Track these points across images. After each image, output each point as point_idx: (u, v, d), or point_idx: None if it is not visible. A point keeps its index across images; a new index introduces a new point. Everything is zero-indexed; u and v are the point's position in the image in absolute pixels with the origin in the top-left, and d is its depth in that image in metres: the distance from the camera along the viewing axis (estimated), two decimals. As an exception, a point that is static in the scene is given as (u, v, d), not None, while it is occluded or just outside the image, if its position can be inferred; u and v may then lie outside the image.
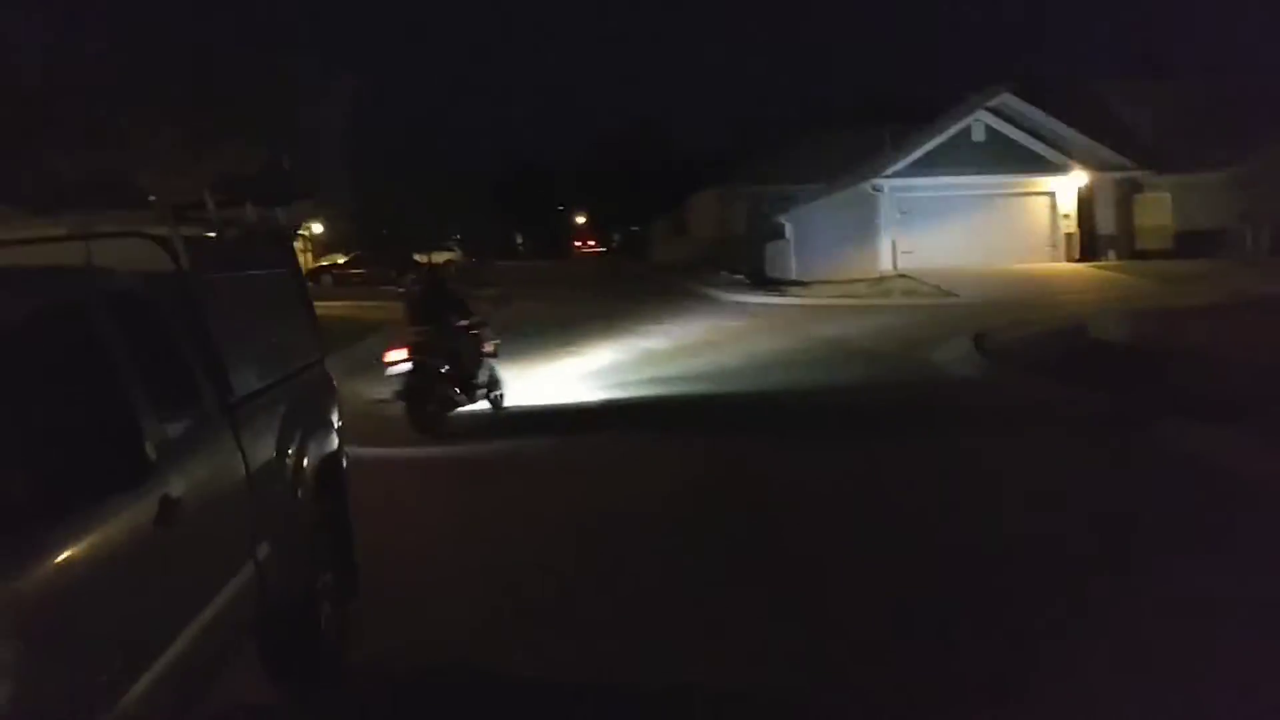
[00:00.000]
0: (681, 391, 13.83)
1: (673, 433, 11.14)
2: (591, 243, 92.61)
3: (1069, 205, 34.87)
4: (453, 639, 5.21)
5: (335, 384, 5.78)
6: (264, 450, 4.27)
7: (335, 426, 5.35)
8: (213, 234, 4.53)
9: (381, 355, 11.38)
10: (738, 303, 31.36)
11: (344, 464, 5.37)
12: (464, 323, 11.94)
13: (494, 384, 12.23)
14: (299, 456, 4.63)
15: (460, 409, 11.51)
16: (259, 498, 4.06)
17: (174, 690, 3.16)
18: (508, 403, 12.43)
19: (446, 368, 11.20)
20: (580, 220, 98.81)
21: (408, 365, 11.00)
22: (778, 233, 40.35)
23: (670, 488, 8.36)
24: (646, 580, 6.09)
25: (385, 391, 11.15)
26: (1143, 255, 33.48)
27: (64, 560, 2.63)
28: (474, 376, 11.85)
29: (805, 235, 37.66)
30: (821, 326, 22.08)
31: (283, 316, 5.23)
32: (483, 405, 12.00)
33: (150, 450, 2.86)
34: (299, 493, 4.52)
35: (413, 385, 11.00)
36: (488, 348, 12.18)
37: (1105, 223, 34.91)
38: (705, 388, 14.05)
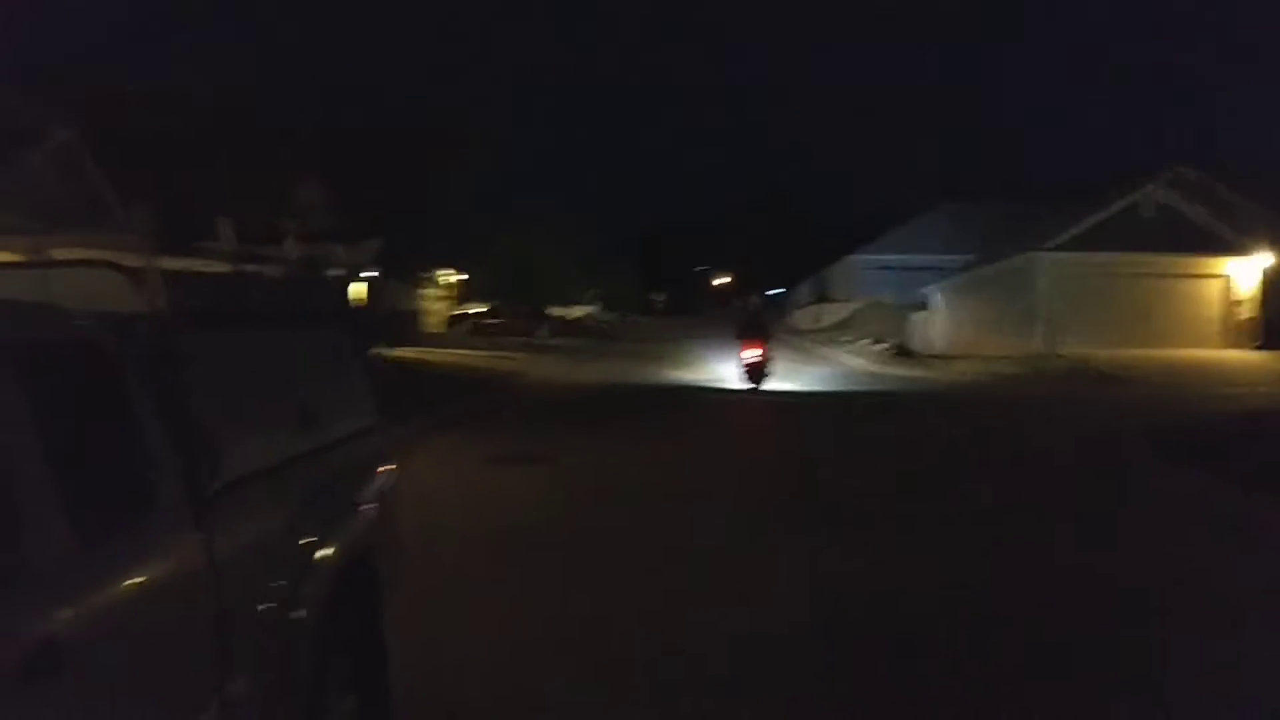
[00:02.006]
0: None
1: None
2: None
3: (1248, 289, 32.19)
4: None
5: (388, 458, 4.80)
6: (252, 552, 3.28)
7: (375, 512, 4.35)
8: (227, 269, 3.62)
9: (740, 350, 23.95)
10: (872, 373, 29.83)
11: (381, 561, 4.35)
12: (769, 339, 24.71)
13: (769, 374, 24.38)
14: (309, 556, 3.65)
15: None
16: (235, 618, 3.07)
17: None
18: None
19: (769, 363, 23.92)
20: (720, 281, 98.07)
21: (757, 359, 23.63)
22: (923, 303, 38.70)
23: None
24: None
25: (736, 369, 24.08)
26: (1332, 347, 30.50)
27: None
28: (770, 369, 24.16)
29: (953, 307, 35.91)
30: (963, 408, 20.45)
31: (320, 377, 4.28)
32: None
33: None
34: (305, 607, 3.51)
35: (755, 368, 23.63)
36: (773, 355, 24.47)
37: (1289, 309, 32.01)
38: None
